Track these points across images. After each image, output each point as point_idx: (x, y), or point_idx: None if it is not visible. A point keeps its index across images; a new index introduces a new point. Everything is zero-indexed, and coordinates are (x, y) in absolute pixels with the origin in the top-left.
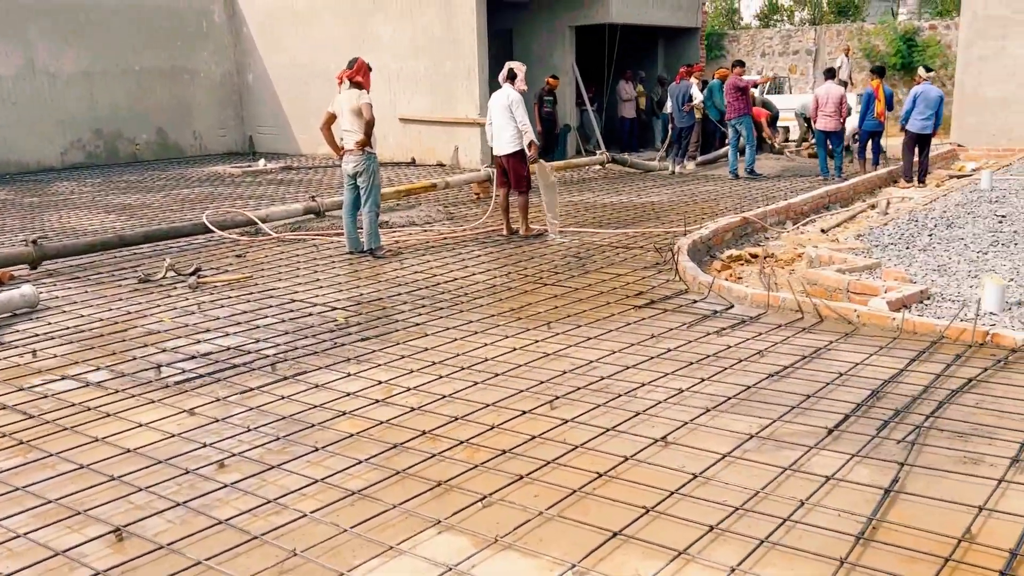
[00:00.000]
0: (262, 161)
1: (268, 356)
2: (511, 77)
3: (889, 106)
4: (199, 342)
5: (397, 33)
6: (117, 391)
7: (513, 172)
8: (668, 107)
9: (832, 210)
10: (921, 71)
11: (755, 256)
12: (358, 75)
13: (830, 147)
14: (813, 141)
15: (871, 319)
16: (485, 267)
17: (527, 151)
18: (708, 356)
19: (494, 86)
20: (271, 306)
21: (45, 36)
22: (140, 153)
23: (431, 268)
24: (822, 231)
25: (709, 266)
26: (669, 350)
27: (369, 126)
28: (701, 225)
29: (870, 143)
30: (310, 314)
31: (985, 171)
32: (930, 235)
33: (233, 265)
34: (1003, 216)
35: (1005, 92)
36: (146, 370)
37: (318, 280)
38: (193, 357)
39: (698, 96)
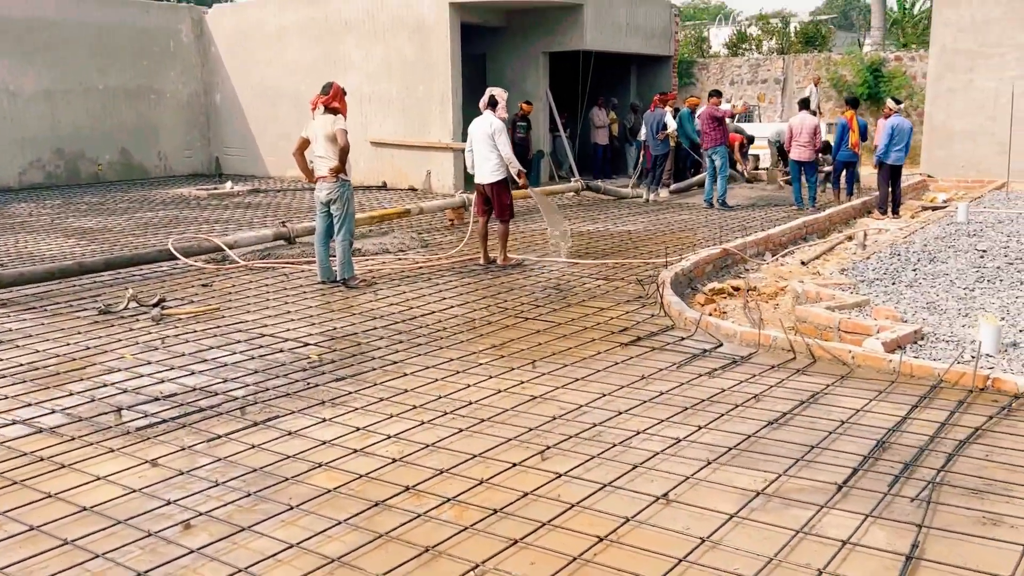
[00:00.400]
0: (229, 183)
1: (237, 398)
2: (492, 104)
3: (863, 137)
4: (163, 381)
5: (369, 56)
6: (73, 438)
7: (497, 201)
8: (642, 134)
9: (810, 241)
10: (890, 103)
11: (737, 289)
12: (334, 101)
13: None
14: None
15: (867, 361)
16: (463, 299)
17: (516, 179)
18: (702, 400)
19: (468, 111)
20: (239, 341)
21: (5, 54)
22: (102, 173)
23: (407, 300)
24: (802, 263)
25: (692, 299)
26: (661, 393)
27: (344, 153)
28: (682, 257)
29: (844, 173)
30: (281, 350)
31: (961, 204)
32: (914, 270)
33: (199, 295)
34: (984, 251)
35: (973, 125)
36: (106, 413)
37: (289, 312)
38: (156, 399)
39: (672, 124)
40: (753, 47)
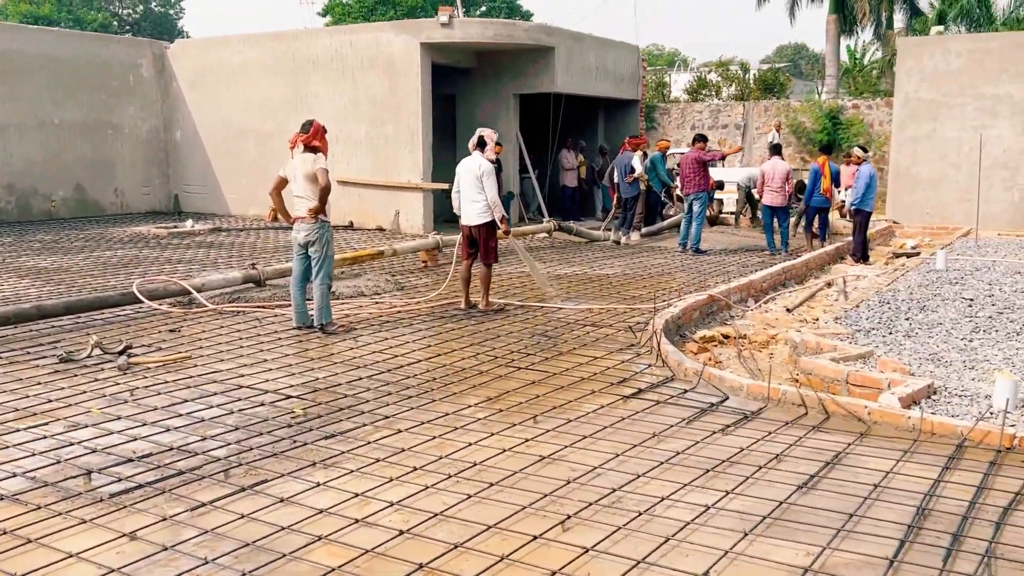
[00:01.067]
0: (189, 222)
1: (219, 459)
2: (481, 145)
3: (836, 183)
4: (135, 439)
5: (337, 94)
6: (39, 507)
7: (483, 243)
8: (613, 177)
9: (789, 287)
10: (858, 151)
11: (727, 337)
12: (314, 139)
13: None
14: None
15: (884, 417)
16: (449, 346)
17: (499, 225)
18: (722, 462)
19: (438, 151)
20: (215, 393)
21: None
22: (56, 210)
23: (390, 347)
24: (788, 311)
25: (683, 347)
26: (677, 453)
27: (325, 193)
28: (669, 303)
29: (817, 219)
30: (261, 403)
31: (939, 252)
32: (907, 319)
33: (167, 342)
34: (970, 299)
35: (937, 172)
36: (74, 477)
37: (266, 361)
38: (130, 460)
39: (639, 167)
40: (713, 93)
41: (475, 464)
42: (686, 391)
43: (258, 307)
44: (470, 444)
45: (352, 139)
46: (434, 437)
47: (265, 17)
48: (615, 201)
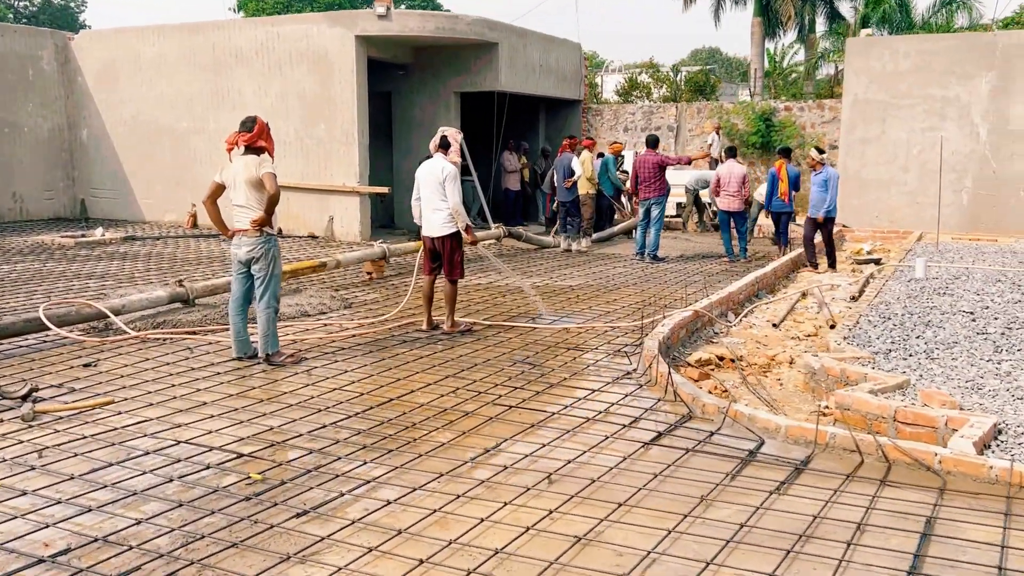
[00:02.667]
0: (99, 230)
1: (162, 555)
2: (444, 146)
3: (795, 186)
4: (47, 526)
5: (263, 90)
6: None
7: (447, 257)
8: (554, 181)
9: (762, 297)
10: (814, 153)
11: (721, 358)
12: (258, 139)
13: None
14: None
15: (959, 466)
16: (421, 379)
17: (465, 235)
18: (799, 537)
19: (373, 152)
20: (147, 452)
21: None
22: None
23: (351, 381)
24: (774, 326)
25: (683, 373)
26: (741, 526)
27: (272, 202)
28: (653, 321)
29: (781, 224)
30: (207, 465)
31: (918, 260)
32: (919, 337)
33: (82, 380)
34: (971, 313)
35: (886, 175)
36: None
37: (205, 404)
38: (41, 560)
39: (579, 170)
40: (644, 95)
41: (495, 553)
42: (712, 433)
43: (189, 333)
44: (482, 520)
45: (280, 139)
46: (434, 511)
47: (173, 15)
48: (555, 206)
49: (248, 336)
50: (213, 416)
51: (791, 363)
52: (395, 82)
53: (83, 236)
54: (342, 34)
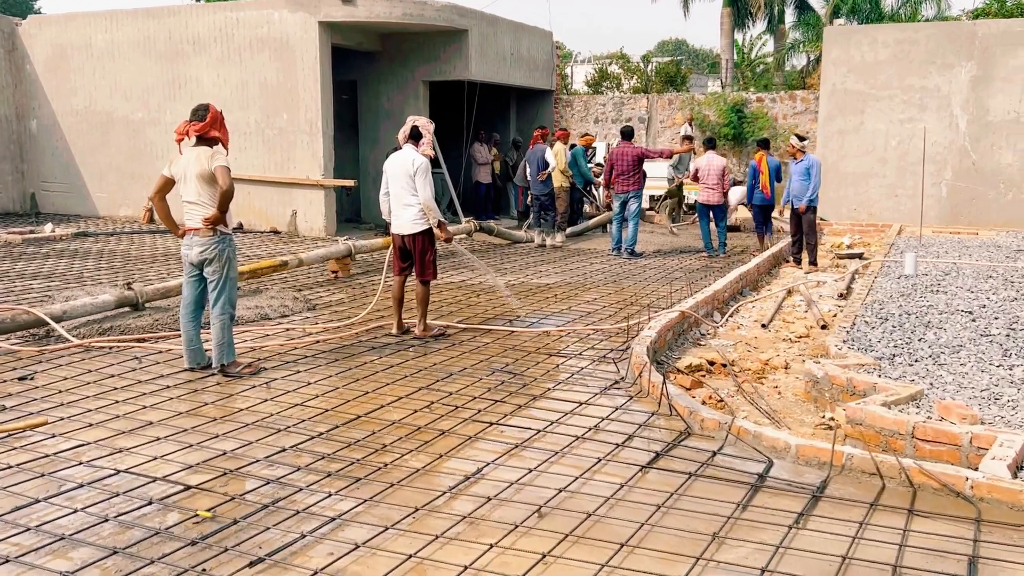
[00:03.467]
0: (48, 226)
1: None
2: (415, 136)
3: (777, 178)
4: None
5: (222, 79)
6: None
7: (419, 257)
8: (528, 174)
9: (746, 295)
10: (795, 140)
11: (712, 363)
12: (211, 128)
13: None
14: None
15: (993, 492)
16: (391, 391)
17: (436, 232)
18: None
19: (340, 143)
20: (81, 484)
21: None
22: None
23: (314, 395)
24: (763, 327)
25: (674, 379)
26: (762, 572)
27: (226, 198)
28: (639, 323)
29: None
30: (149, 500)
31: (908, 255)
32: (921, 340)
33: (15, 397)
34: (970, 312)
35: (864, 167)
36: None
37: (151, 424)
38: None
39: (553, 162)
40: (614, 86)
41: None
42: (714, 453)
43: (137, 341)
44: (465, 569)
45: (240, 129)
46: (409, 556)
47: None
48: (528, 200)
49: (201, 344)
50: (160, 439)
51: (786, 368)
52: (361, 71)
53: (31, 232)
54: (305, 20)
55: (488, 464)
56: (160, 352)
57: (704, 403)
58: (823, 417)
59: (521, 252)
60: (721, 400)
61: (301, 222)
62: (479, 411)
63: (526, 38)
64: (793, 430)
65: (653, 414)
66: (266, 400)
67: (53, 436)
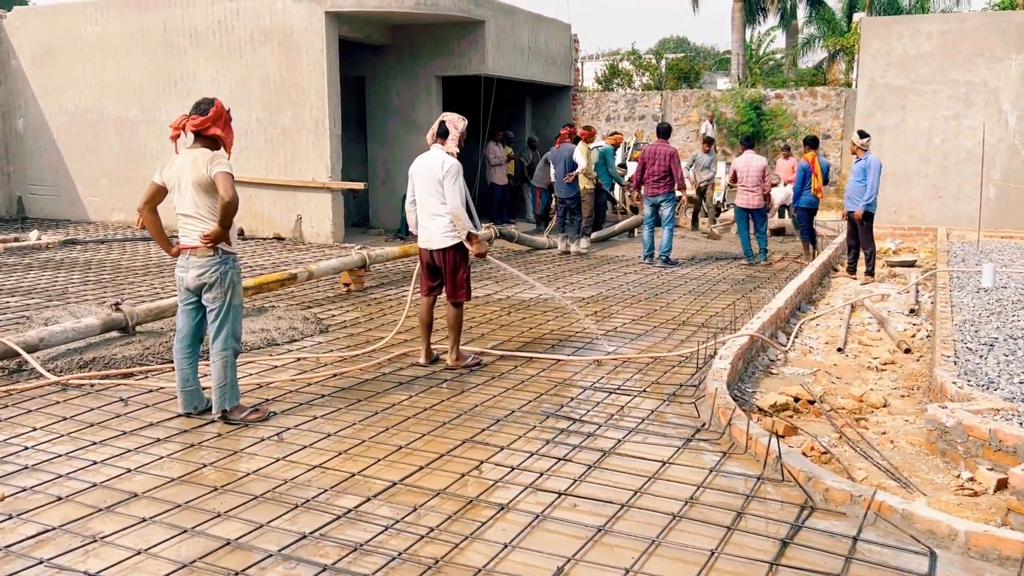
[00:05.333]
0: (34, 233)
1: None
2: (443, 134)
3: (825, 179)
4: None
5: (221, 75)
6: None
7: (450, 275)
8: (551, 175)
9: (804, 310)
10: (855, 137)
11: (797, 399)
12: (212, 126)
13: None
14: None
15: None
16: (429, 448)
17: (468, 246)
18: None
19: (347, 141)
20: None
21: None
22: None
23: (335, 451)
24: (838, 350)
25: (758, 421)
26: None
27: (228, 211)
28: (704, 350)
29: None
30: None
31: (986, 266)
32: None
33: None
34: None
35: (906, 166)
36: None
37: (135, 496)
38: None
39: (582, 162)
40: (625, 83)
41: None
42: (855, 539)
43: (123, 376)
44: None
45: (241, 129)
46: None
47: None
48: (550, 203)
49: (199, 385)
50: (146, 520)
51: (885, 406)
52: (369, 65)
53: (15, 240)
54: (310, 9)
55: (569, 560)
56: (150, 392)
57: (805, 455)
58: (958, 477)
59: (545, 260)
60: (825, 451)
61: (307, 228)
62: (540, 475)
63: (544, 30)
64: (931, 498)
65: (759, 479)
66: (277, 459)
67: (9, 518)
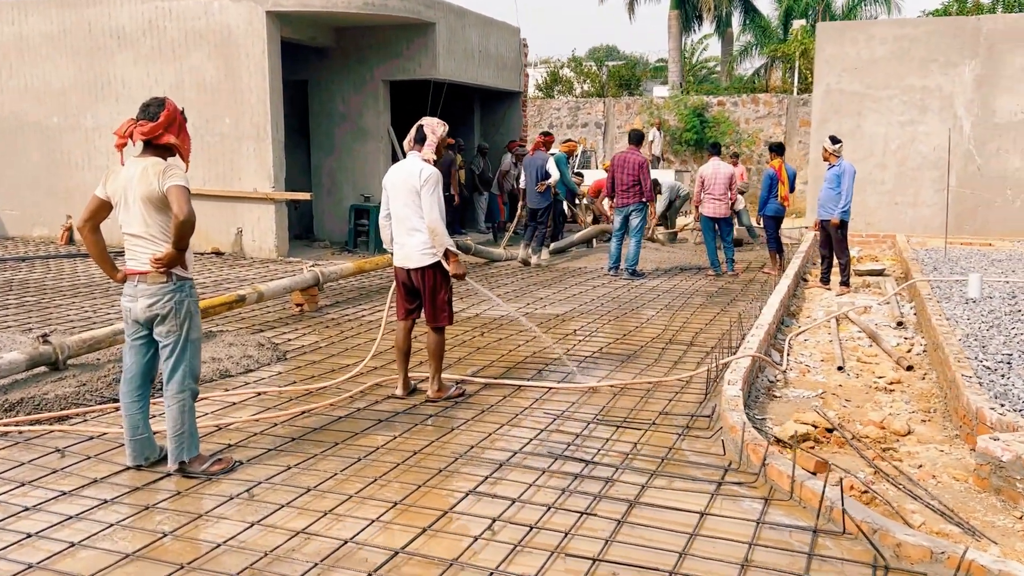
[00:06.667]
0: None
1: None
2: (420, 140)
3: (791, 187)
4: None
5: (152, 78)
6: None
7: (430, 297)
8: (521, 182)
9: (788, 325)
10: (828, 143)
11: (815, 426)
12: (167, 133)
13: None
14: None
15: None
16: (427, 500)
17: (445, 264)
18: None
19: (289, 149)
20: None
21: None
22: None
23: (323, 515)
24: (839, 369)
25: (788, 454)
26: None
27: (183, 230)
28: (706, 373)
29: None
30: None
31: (972, 276)
32: None
33: None
34: None
35: (862, 173)
36: None
37: None
38: None
39: (555, 173)
40: (566, 90)
41: None
42: None
43: (57, 419)
44: None
45: None
46: None
47: None
48: (518, 213)
49: (151, 432)
50: None
51: (910, 433)
52: (313, 69)
53: None
54: (250, 9)
55: None
56: (91, 439)
57: (853, 492)
58: (1021, 519)
59: (505, 272)
60: (866, 490)
61: (248, 241)
62: (565, 535)
63: (494, 34)
64: (1003, 545)
65: (814, 531)
66: (252, 524)
67: None
